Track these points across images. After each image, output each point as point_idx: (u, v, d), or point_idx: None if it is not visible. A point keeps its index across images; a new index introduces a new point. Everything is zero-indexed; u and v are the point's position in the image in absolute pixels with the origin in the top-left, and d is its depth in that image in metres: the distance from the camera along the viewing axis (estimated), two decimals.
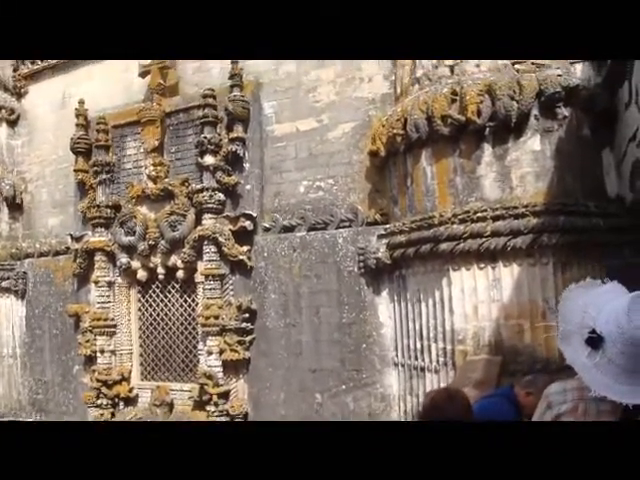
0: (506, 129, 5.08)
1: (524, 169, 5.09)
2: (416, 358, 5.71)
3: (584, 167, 5.23)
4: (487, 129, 5.08)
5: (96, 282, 7.84)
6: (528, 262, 5.00)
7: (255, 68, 7.06)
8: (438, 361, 5.41)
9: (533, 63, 5.18)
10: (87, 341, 7.80)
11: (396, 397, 6.12)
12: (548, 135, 5.11)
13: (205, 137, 6.89)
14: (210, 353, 6.89)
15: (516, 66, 5.22)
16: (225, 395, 6.86)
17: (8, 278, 8.83)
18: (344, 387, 6.35)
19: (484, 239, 4.99)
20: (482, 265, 5.11)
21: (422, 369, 5.62)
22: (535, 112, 5.06)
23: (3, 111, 9.08)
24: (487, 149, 5.17)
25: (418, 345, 5.68)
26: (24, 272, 8.82)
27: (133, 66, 7.72)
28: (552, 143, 5.12)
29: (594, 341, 1.89)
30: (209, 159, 6.93)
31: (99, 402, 7.66)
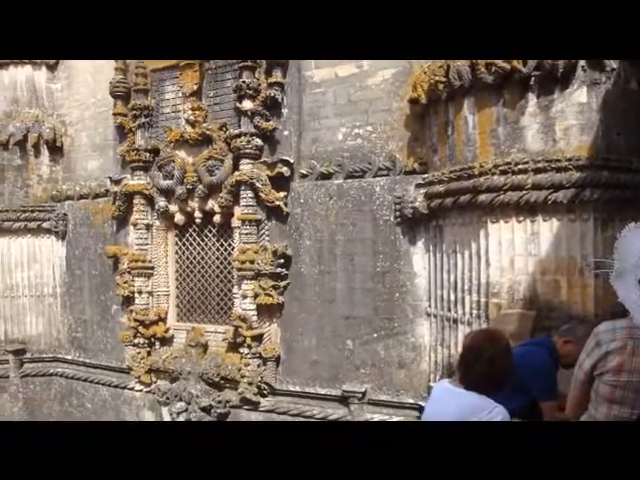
0: (552, 79, 4.91)
1: (569, 121, 4.94)
2: (449, 309, 5.73)
3: (630, 122, 5.05)
4: (532, 79, 4.92)
5: (134, 225, 7.97)
6: (568, 217, 4.92)
7: None
8: (471, 313, 5.42)
9: None
10: (125, 282, 7.99)
11: (427, 347, 6.17)
12: (595, 87, 4.92)
13: (244, 81, 6.83)
14: (245, 297, 7.00)
15: None
16: (259, 338, 7.00)
17: (49, 219, 9.02)
18: (375, 335, 6.42)
19: (524, 192, 4.91)
20: (521, 218, 5.05)
21: (455, 321, 5.64)
22: (582, 63, 4.87)
23: None
24: (532, 99, 5.02)
25: (452, 296, 5.68)
26: (64, 214, 8.98)
27: None
28: (599, 96, 4.93)
29: None
30: (247, 104, 6.89)
31: (136, 341, 7.90)
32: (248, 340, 6.95)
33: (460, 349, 2.90)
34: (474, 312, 5.38)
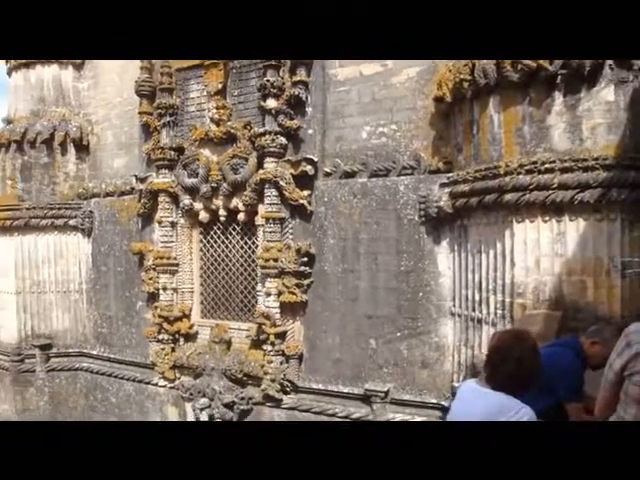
0: (579, 78, 4.84)
1: (596, 120, 4.87)
2: (473, 309, 5.70)
3: None
4: (559, 77, 4.86)
5: (159, 222, 8.05)
6: (595, 217, 4.85)
7: None
8: (496, 313, 5.38)
9: None
10: (150, 278, 8.09)
11: (451, 347, 6.15)
12: (623, 86, 4.84)
13: (268, 80, 6.86)
14: (268, 294, 7.05)
15: None
16: (282, 336, 7.04)
17: (75, 217, 9.16)
18: (399, 334, 6.41)
19: (550, 191, 4.86)
20: (547, 218, 5.00)
21: (479, 321, 5.60)
22: (610, 61, 4.79)
23: None
24: (558, 98, 4.96)
25: (476, 296, 5.65)
26: (90, 211, 9.11)
27: None
28: (626, 94, 4.84)
29: None
30: (271, 102, 6.92)
31: (160, 337, 7.99)
32: (271, 337, 6.99)
33: (484, 349, 2.90)
34: (499, 312, 5.34)
